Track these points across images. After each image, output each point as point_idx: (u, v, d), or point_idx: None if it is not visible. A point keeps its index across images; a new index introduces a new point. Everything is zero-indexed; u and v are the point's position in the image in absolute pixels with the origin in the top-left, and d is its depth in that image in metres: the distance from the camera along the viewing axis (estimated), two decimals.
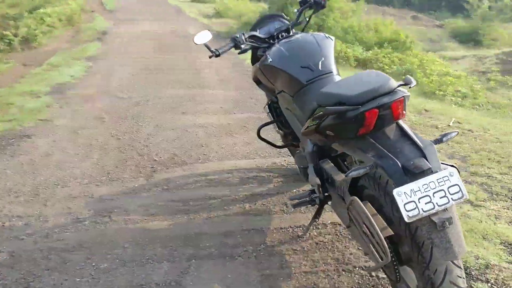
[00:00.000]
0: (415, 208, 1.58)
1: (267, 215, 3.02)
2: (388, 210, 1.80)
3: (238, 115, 5.37)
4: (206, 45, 2.72)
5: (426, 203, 1.58)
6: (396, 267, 1.90)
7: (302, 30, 3.04)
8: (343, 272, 2.42)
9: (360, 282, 2.34)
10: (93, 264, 2.55)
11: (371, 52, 10.02)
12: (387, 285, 2.30)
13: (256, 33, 2.84)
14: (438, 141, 1.71)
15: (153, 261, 2.55)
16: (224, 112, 5.53)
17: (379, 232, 1.73)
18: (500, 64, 9.83)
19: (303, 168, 2.72)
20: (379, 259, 1.79)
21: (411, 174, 1.61)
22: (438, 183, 1.59)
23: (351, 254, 2.58)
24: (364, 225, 1.90)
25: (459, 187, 1.59)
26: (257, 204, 3.18)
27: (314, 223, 2.77)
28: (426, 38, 19.37)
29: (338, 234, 2.78)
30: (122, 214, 3.08)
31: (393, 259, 1.81)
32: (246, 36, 2.77)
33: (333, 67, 2.48)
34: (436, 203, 1.58)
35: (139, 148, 4.28)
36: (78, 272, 2.48)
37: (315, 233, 2.78)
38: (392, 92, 1.76)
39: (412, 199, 1.58)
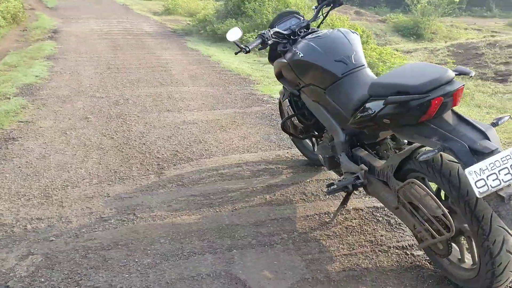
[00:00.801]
0: (484, 185, 1.76)
1: (289, 204, 3.14)
2: (446, 188, 1.96)
3: (223, 111, 5.45)
4: (235, 42, 2.81)
5: (493, 180, 1.76)
6: (449, 241, 2.08)
7: (318, 26, 3.18)
8: (380, 253, 2.58)
9: (398, 260, 2.51)
10: (136, 260, 2.57)
11: None
12: (423, 261, 2.48)
13: (280, 30, 2.95)
14: (494, 124, 1.90)
15: (195, 254, 2.61)
16: (208, 108, 5.58)
17: (444, 208, 1.90)
18: (453, 56, 10.43)
19: (328, 157, 2.86)
20: (443, 232, 1.95)
21: (479, 154, 1.78)
22: (502, 161, 1.77)
23: (381, 235, 2.74)
24: (420, 205, 2.06)
25: None
26: (276, 194, 3.29)
27: (342, 209, 2.92)
28: (371, 32, 20.06)
29: (363, 218, 2.94)
30: (147, 211, 3.10)
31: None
32: (271, 32, 2.88)
33: (364, 60, 2.64)
34: (502, 179, 1.76)
35: (137, 146, 4.27)
36: (124, 269, 2.49)
37: (341, 219, 2.93)
38: (451, 81, 1.93)
39: (481, 177, 1.76)
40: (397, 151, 2.50)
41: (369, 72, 2.61)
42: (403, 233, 2.75)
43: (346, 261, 2.51)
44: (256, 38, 2.89)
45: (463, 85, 1.91)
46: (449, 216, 1.89)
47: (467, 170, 1.76)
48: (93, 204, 3.20)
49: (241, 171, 3.70)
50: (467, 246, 2.24)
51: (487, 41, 11.08)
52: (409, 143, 2.51)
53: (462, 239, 2.23)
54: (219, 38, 12.62)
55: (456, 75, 1.97)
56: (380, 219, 2.92)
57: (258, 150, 4.17)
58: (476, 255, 2.14)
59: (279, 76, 3.10)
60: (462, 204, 1.90)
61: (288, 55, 2.87)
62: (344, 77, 2.56)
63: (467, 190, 1.89)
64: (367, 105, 2.21)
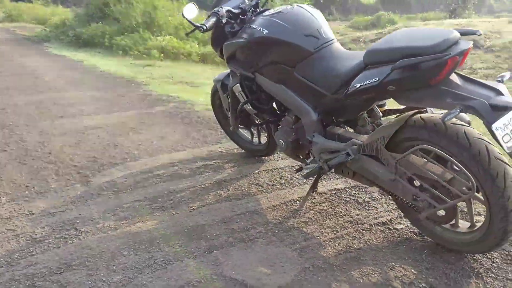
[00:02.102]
0: (510, 139, 1.77)
1: (249, 197, 2.93)
2: (455, 151, 1.93)
3: (125, 113, 5.02)
4: (190, 21, 2.53)
5: None
6: (456, 206, 2.07)
7: (263, 6, 3.01)
8: (364, 232, 2.50)
9: (385, 236, 2.46)
10: (103, 279, 2.16)
11: (209, 46, 10.21)
12: (409, 233, 2.47)
13: (231, 8, 2.73)
14: (499, 81, 1.93)
15: (172, 262, 2.28)
16: (105, 112, 5.11)
17: (462, 166, 1.87)
18: None
19: (291, 141, 2.72)
20: (460, 194, 1.92)
21: (500, 110, 1.78)
22: None
23: (357, 215, 2.68)
24: (427, 172, 2.02)
25: None
26: (230, 189, 3.05)
27: (312, 193, 2.80)
28: None
29: (331, 201, 2.86)
30: (90, 224, 2.65)
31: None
32: (224, 10, 2.65)
33: (333, 35, 2.54)
34: None
35: (42, 156, 3.70)
36: None
37: (310, 205, 2.81)
38: (459, 41, 1.91)
39: (506, 132, 1.77)
40: (374, 125, 2.44)
41: (340, 46, 2.53)
42: (376, 210, 2.72)
43: (337, 245, 2.39)
44: (209, 16, 2.63)
45: (469, 47, 1.90)
46: (469, 173, 1.86)
47: (493, 126, 1.75)
48: (15, 225, 2.65)
49: (179, 171, 3.38)
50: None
51: (351, 37, 11.93)
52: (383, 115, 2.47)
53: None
54: (85, 43, 11.79)
55: (461, 35, 1.95)
56: (348, 199, 2.86)
57: (186, 148, 3.87)
58: (473, 218, 2.17)
59: (230, 59, 2.86)
60: (474, 164, 1.89)
61: (245, 34, 2.65)
62: (316, 52, 2.44)
63: (478, 149, 1.88)
64: (367, 73, 2.10)
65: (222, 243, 2.42)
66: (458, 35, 1.91)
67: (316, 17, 2.54)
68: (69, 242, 2.48)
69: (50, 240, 2.49)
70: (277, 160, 3.52)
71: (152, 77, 7.36)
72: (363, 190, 2.96)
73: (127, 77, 7.25)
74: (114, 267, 2.24)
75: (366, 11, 32.00)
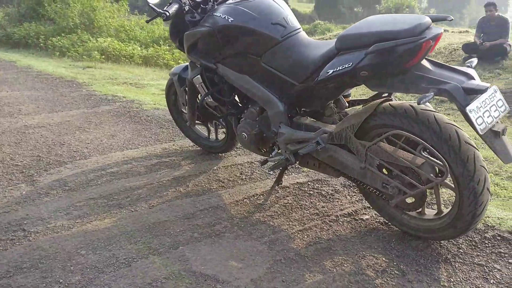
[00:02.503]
0: (483, 122, 1.80)
1: (210, 193, 2.84)
2: (427, 136, 1.95)
3: (69, 112, 4.78)
4: (152, 7, 2.42)
5: (487, 117, 1.82)
6: (425, 192, 2.09)
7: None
8: (331, 223, 2.48)
9: (352, 227, 2.45)
10: (60, 281, 2.00)
11: (151, 49, 10.01)
12: (375, 223, 2.47)
13: None
14: (469, 67, 1.96)
15: (136, 259, 2.14)
16: (47, 111, 4.85)
17: (435, 150, 1.88)
18: None
19: (254, 134, 2.66)
20: (433, 179, 1.94)
21: (472, 93, 1.81)
22: (490, 99, 1.84)
23: (322, 207, 2.65)
24: (398, 158, 2.02)
25: (502, 101, 1.88)
26: (189, 186, 2.94)
27: (276, 186, 2.75)
28: None
29: (295, 194, 2.82)
30: (40, 224, 2.46)
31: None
32: None
33: (299, 24, 2.51)
34: (493, 116, 1.83)
35: None
36: None
37: (274, 199, 2.75)
38: (431, 26, 1.93)
39: (479, 114, 1.80)
40: (341, 115, 2.43)
41: (306, 35, 2.50)
42: (340, 202, 2.70)
43: (306, 237, 2.34)
44: (171, 3, 2.53)
45: (441, 32, 1.93)
46: (442, 157, 1.87)
47: (467, 109, 1.77)
48: None
49: (134, 168, 3.22)
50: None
51: None
52: (351, 106, 2.47)
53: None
54: (16, 43, 11.18)
55: (432, 21, 1.97)
56: (311, 192, 2.83)
57: (139, 146, 3.70)
58: (440, 204, 2.20)
59: (191, 49, 2.75)
60: (446, 148, 1.91)
61: (208, 22, 2.56)
62: (284, 40, 2.39)
63: (448, 134, 1.91)
64: (339, 59, 2.07)
65: (188, 239, 2.31)
66: (430, 20, 1.92)
67: (282, 6, 2.50)
68: (17, 243, 2.28)
69: None
70: (235, 157, 3.45)
71: (94, 78, 7.07)
72: (326, 183, 2.95)
73: (67, 78, 6.91)
74: (72, 268, 2.08)
75: (303, 20, 32.66)
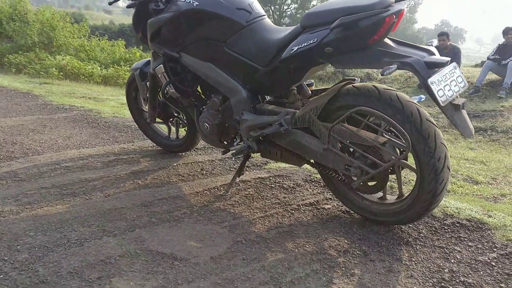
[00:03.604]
0: (444, 95, 1.84)
1: (169, 185, 2.76)
2: (389, 113, 1.96)
3: (23, 118, 4.62)
4: None
5: (448, 90, 1.86)
6: (387, 173, 2.10)
7: None
8: (293, 211, 2.45)
9: (314, 215, 2.42)
10: (5, 259, 1.87)
11: (112, 69, 9.89)
12: (337, 211, 2.46)
13: None
14: (429, 45, 2.01)
15: (89, 240, 2.04)
16: (0, 116, 4.63)
17: (398, 125, 1.90)
18: None
19: (216, 123, 2.63)
20: (395, 155, 1.95)
21: (434, 66, 1.85)
22: (450, 74, 1.89)
23: (284, 198, 2.62)
24: (360, 137, 2.03)
25: (461, 77, 1.93)
26: (148, 179, 2.86)
27: (238, 177, 2.70)
28: None
29: (256, 187, 2.78)
30: None
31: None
32: None
33: (263, 11, 2.53)
34: (453, 90, 1.87)
35: None
36: None
37: (235, 191, 2.70)
38: (392, 4, 1.97)
39: (440, 87, 1.83)
40: (304, 102, 2.43)
41: (270, 22, 2.51)
42: (302, 194, 2.68)
43: (267, 222, 2.30)
44: None
45: (404, 8, 1.97)
46: (404, 131, 1.89)
47: (429, 80, 1.81)
48: None
49: (90, 163, 3.11)
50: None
51: None
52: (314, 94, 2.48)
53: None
54: None
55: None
56: (273, 185, 2.80)
57: (96, 146, 3.59)
58: (401, 187, 2.21)
59: (154, 37, 2.71)
60: (408, 125, 1.93)
61: (173, 8, 2.55)
62: (249, 26, 2.40)
63: (410, 111, 1.93)
64: (304, 36, 2.08)
65: (145, 223, 2.23)
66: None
67: None
68: None
69: None
70: (196, 156, 3.39)
71: (51, 91, 6.88)
72: (287, 178, 2.92)
73: (23, 91, 6.70)
74: (19, 247, 1.95)
75: None
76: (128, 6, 2.66)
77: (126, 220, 2.24)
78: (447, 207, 2.49)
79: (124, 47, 12.04)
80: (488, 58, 8.34)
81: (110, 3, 2.67)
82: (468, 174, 3.48)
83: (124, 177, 2.85)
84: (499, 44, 8.35)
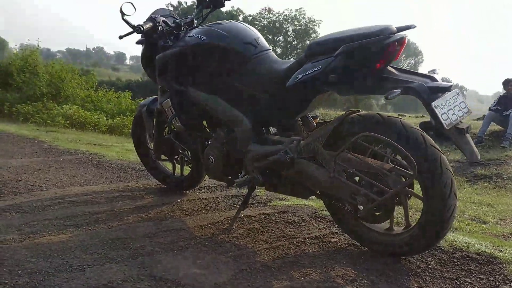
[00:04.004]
0: (448, 118, 1.85)
1: (174, 219, 2.74)
2: (395, 138, 1.97)
3: (29, 159, 4.63)
4: (126, 20, 2.47)
5: (452, 114, 1.87)
6: (393, 203, 2.09)
7: (198, 25, 3.02)
8: (299, 244, 2.41)
9: (320, 247, 2.38)
10: (5, 281, 1.83)
11: (118, 119, 10.04)
12: (344, 244, 2.42)
13: (167, 20, 2.72)
14: (431, 72, 2.05)
15: (91, 266, 2.00)
16: (6, 158, 4.68)
17: (403, 149, 1.90)
18: None
19: (222, 155, 2.63)
20: (401, 179, 1.94)
21: (437, 91, 1.88)
22: (454, 99, 1.91)
23: (290, 231, 2.59)
24: (366, 165, 2.03)
25: (465, 103, 1.95)
26: (152, 213, 2.84)
27: (243, 210, 2.68)
28: None
29: (261, 221, 2.75)
30: None
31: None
32: (161, 19, 2.64)
33: (268, 46, 2.60)
34: (457, 114, 1.89)
35: None
36: None
37: (239, 225, 2.67)
38: (395, 33, 2.02)
39: (444, 111, 1.86)
40: (309, 134, 2.45)
41: (275, 55, 2.58)
42: (308, 228, 2.64)
43: (272, 253, 2.26)
44: (146, 20, 2.60)
45: (406, 36, 2.02)
46: (411, 157, 1.89)
47: (433, 104, 1.83)
48: None
49: (94, 198, 3.10)
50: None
51: None
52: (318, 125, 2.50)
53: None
54: None
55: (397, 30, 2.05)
56: (278, 220, 2.77)
57: (101, 183, 3.59)
58: (408, 217, 2.18)
59: (162, 72, 2.77)
60: (412, 151, 1.93)
61: (181, 43, 2.63)
62: (254, 59, 2.46)
63: (415, 137, 1.95)
64: (309, 65, 2.13)
65: (148, 252, 2.20)
66: (395, 28, 2.03)
67: (252, 29, 2.61)
68: None
69: None
70: (200, 193, 3.38)
71: (57, 138, 6.95)
72: (292, 213, 2.90)
73: (30, 137, 6.77)
74: (19, 272, 1.92)
75: None
76: (137, 42, 2.74)
77: (129, 249, 2.21)
78: (456, 242, 2.44)
79: (130, 98, 12.27)
80: (489, 109, 8.43)
81: (120, 37, 2.75)
82: (475, 215, 3.44)
83: (128, 211, 2.83)
84: (500, 95, 8.46)
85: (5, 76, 11.81)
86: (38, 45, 12.82)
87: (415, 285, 1.98)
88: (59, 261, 2.03)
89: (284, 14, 46.49)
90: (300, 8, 47.57)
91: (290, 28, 46.34)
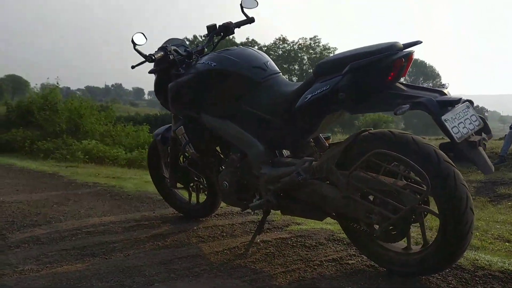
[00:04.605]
0: (458, 131, 1.84)
1: (189, 246, 2.73)
2: (406, 154, 1.95)
3: (49, 193, 4.70)
4: (138, 50, 2.54)
5: (463, 128, 1.85)
6: (409, 221, 2.06)
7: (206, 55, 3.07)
8: (316, 267, 2.37)
9: (337, 269, 2.34)
10: None
11: (136, 152, 10.16)
12: (362, 266, 2.38)
13: (178, 49, 2.77)
14: (440, 87, 2.04)
15: None
16: (27, 192, 4.77)
17: (415, 165, 1.88)
18: None
19: (235, 180, 2.63)
20: (416, 196, 1.91)
21: (446, 105, 1.87)
22: (464, 113, 1.90)
23: (306, 254, 2.55)
24: (382, 182, 2.01)
25: (476, 116, 1.94)
26: (168, 241, 2.84)
27: (258, 234, 2.66)
28: None
29: (277, 246, 2.72)
30: (7, 268, 2.33)
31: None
32: (172, 48, 2.70)
33: (278, 69, 2.63)
34: (468, 127, 1.87)
35: None
36: None
37: (255, 250, 2.65)
38: (402, 49, 2.02)
39: (454, 124, 1.84)
40: (321, 154, 2.44)
41: (285, 78, 2.60)
42: (325, 251, 2.61)
43: (289, 276, 2.23)
44: (157, 50, 2.66)
45: (413, 52, 2.02)
46: (424, 173, 1.86)
47: (443, 118, 1.81)
48: None
49: (111, 228, 3.12)
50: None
51: None
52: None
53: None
54: (1, 148, 11.29)
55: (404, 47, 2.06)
56: (294, 244, 2.74)
57: (119, 214, 3.62)
58: (425, 234, 2.14)
59: (175, 100, 2.81)
60: (425, 167, 1.91)
61: (192, 70, 2.67)
62: (264, 82, 2.49)
63: (427, 153, 1.93)
64: (317, 85, 2.14)
65: (164, 278, 2.19)
66: (402, 45, 2.03)
67: (261, 53, 2.64)
68: None
69: None
70: (216, 220, 3.37)
71: (76, 172, 7.06)
72: (309, 237, 2.87)
73: (49, 172, 6.89)
74: None
75: None
76: (150, 72, 2.80)
77: (145, 276, 2.21)
78: (477, 260, 2.38)
79: (148, 131, 12.44)
80: (510, 128, 8.32)
81: (133, 67, 2.81)
82: (499, 234, 3.35)
83: (144, 240, 2.84)
84: None
85: (27, 115, 12.11)
86: (57, 83, 13.16)
87: None
88: None
89: (298, 43, 47.01)
90: (314, 37, 47.88)
91: (305, 57, 46.75)
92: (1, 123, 12.82)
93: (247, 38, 44.14)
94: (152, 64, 2.79)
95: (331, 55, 2.69)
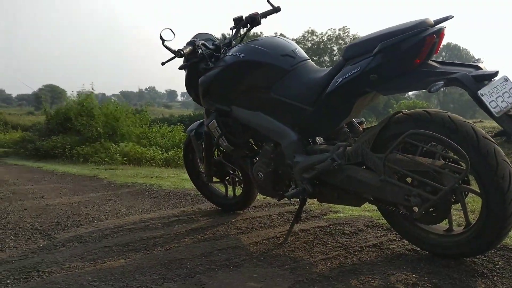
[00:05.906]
0: (497, 106, 1.78)
1: (228, 238, 2.75)
2: (445, 133, 1.90)
3: (90, 195, 4.82)
4: (167, 46, 2.56)
5: (501, 102, 1.79)
6: (450, 202, 2.01)
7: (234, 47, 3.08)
8: (356, 253, 2.35)
9: (378, 254, 2.31)
10: None
11: (172, 151, 10.31)
12: (403, 250, 2.34)
13: (206, 43, 2.79)
14: (477, 61, 1.98)
15: (151, 286, 2.04)
16: (69, 195, 4.91)
17: (453, 142, 1.82)
18: None
19: (270, 171, 2.63)
20: (455, 175, 1.86)
21: (482, 79, 1.81)
22: (502, 86, 1.83)
23: (346, 241, 2.54)
24: (420, 162, 1.97)
25: None
26: (207, 234, 2.86)
27: (296, 223, 2.65)
28: None
29: (315, 234, 2.71)
30: (55, 266, 2.39)
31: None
32: (200, 42, 2.72)
33: (306, 55, 2.61)
34: (507, 101, 1.81)
35: None
36: None
37: (294, 239, 2.65)
38: (433, 26, 1.98)
39: (492, 98, 1.78)
40: (355, 139, 2.41)
41: (314, 64, 2.58)
42: (364, 237, 2.58)
43: (329, 263, 2.22)
44: (186, 45, 2.68)
45: (444, 27, 1.97)
46: (463, 151, 1.81)
47: (480, 92, 1.76)
48: None
49: (151, 224, 3.17)
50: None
51: None
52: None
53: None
54: (43, 156, 11.66)
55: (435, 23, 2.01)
56: (333, 232, 2.72)
57: (158, 210, 3.68)
58: (467, 215, 2.09)
59: (205, 94, 2.84)
60: (464, 145, 1.86)
61: (221, 63, 2.69)
62: (293, 70, 2.47)
63: (465, 130, 1.88)
64: (348, 68, 2.12)
65: (205, 270, 2.21)
66: (432, 21, 1.98)
67: (289, 41, 2.63)
68: (30, 280, 2.20)
69: (8, 281, 2.20)
70: (254, 212, 3.38)
71: (115, 174, 7.22)
72: (348, 224, 2.85)
73: (89, 175, 7.07)
74: None
75: None
76: (180, 68, 2.83)
77: (186, 269, 2.24)
78: None
79: (182, 131, 12.60)
80: None
81: (163, 64, 2.85)
82: None
83: (184, 234, 2.88)
84: None
85: (65, 121, 12.46)
86: (92, 89, 13.49)
87: (483, 286, 1.88)
88: (119, 284, 2.07)
89: (327, 34, 46.54)
90: (343, 27, 47.26)
91: (335, 48, 46.23)
92: (41, 131, 13.25)
93: (275, 33, 43.92)
94: (182, 60, 2.82)
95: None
